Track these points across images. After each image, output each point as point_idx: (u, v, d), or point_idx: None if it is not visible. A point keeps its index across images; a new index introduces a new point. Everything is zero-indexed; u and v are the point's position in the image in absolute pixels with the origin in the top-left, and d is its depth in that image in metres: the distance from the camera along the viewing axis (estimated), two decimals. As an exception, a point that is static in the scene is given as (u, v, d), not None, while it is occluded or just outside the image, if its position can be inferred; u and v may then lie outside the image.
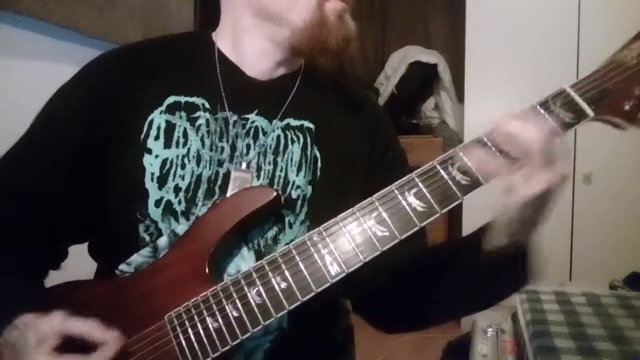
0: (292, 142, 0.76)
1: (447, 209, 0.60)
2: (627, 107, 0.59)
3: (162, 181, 0.72)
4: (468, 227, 2.62)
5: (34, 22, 1.32)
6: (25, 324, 0.62)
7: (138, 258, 0.73)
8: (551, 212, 0.62)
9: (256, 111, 0.76)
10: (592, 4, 2.45)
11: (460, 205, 0.60)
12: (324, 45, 0.72)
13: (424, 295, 0.74)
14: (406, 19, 3.50)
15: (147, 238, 0.72)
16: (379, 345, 2.40)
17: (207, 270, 0.67)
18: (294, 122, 0.77)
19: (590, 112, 0.59)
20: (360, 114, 0.84)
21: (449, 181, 0.60)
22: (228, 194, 0.72)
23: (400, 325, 0.84)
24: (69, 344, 0.61)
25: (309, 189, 0.75)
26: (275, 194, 0.69)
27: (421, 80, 3.27)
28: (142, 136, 0.73)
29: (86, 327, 0.62)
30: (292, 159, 0.75)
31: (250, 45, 0.77)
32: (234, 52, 0.79)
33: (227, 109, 0.75)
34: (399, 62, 3.28)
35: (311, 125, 0.78)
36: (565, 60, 2.43)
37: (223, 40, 0.80)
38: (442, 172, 0.60)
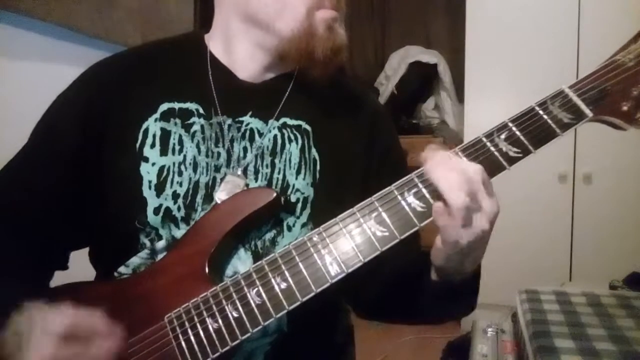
0: (290, 141, 0.76)
1: (446, 209, 0.60)
2: (625, 108, 0.59)
3: (159, 189, 0.72)
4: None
5: (34, 22, 1.33)
6: (35, 309, 0.61)
7: (136, 260, 0.73)
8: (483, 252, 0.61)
9: (250, 113, 0.76)
10: (592, 4, 2.44)
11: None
12: (311, 56, 0.72)
13: (412, 296, 0.72)
14: (406, 19, 3.50)
15: (148, 243, 0.73)
16: (379, 345, 2.40)
17: (207, 270, 0.67)
18: (291, 121, 0.77)
19: (588, 112, 0.60)
20: (358, 113, 0.84)
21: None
22: (216, 196, 0.72)
23: (393, 319, 0.88)
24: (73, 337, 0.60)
25: (311, 191, 0.75)
26: (275, 194, 0.69)
27: (421, 80, 3.26)
28: (138, 145, 0.73)
29: (92, 320, 0.62)
30: (290, 161, 0.75)
31: (240, 48, 0.77)
32: (226, 54, 0.79)
33: (220, 113, 0.75)
34: (399, 62, 3.27)
35: (308, 127, 0.77)
36: (565, 60, 2.43)
37: (215, 42, 0.80)
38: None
